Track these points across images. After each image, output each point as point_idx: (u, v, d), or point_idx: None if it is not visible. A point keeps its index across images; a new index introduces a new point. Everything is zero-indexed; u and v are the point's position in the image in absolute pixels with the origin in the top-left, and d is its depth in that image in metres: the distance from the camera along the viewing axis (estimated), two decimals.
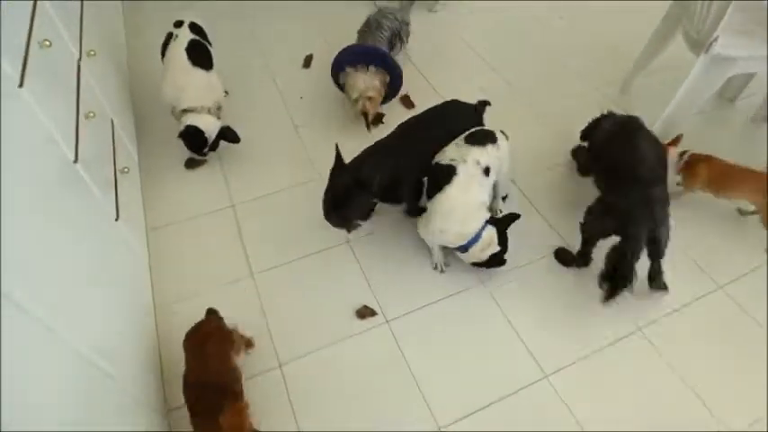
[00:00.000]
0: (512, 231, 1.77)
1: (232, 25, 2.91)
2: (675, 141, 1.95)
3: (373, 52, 2.24)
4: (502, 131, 1.85)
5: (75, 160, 1.28)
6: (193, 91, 2.02)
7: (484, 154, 1.72)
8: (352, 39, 2.43)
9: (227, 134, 2.09)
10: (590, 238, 1.78)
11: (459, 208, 1.67)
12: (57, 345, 0.94)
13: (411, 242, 1.90)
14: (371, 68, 2.21)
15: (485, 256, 1.72)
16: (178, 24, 2.15)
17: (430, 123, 1.88)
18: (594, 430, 1.50)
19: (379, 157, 1.75)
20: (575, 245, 1.85)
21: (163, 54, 2.17)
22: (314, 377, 1.58)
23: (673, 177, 1.88)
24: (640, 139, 1.79)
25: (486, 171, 1.71)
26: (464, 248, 1.71)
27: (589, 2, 3.08)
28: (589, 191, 1.86)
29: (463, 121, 1.89)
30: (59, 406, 0.92)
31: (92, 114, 1.47)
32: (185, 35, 2.11)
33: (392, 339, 1.68)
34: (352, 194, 1.65)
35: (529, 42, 2.88)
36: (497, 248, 1.71)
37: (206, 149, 2.08)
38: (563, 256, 1.88)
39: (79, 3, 1.79)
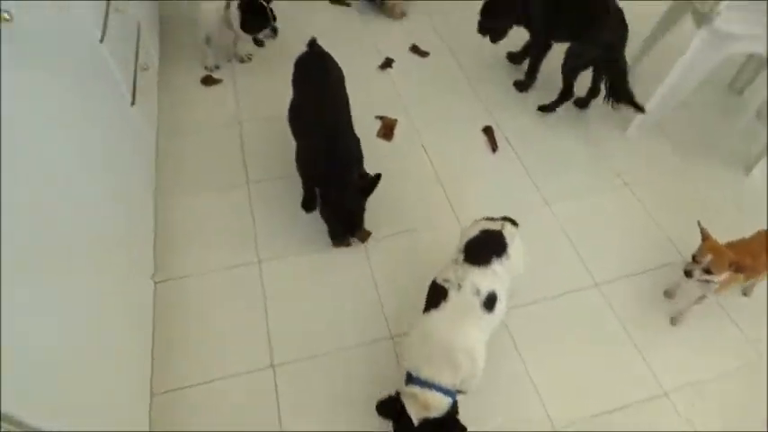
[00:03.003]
0: None
1: None
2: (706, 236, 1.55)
3: None
4: (512, 222, 1.47)
5: (101, 40, 1.46)
6: None
7: (486, 277, 1.32)
8: None
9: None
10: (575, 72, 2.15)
11: (437, 344, 1.27)
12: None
13: None
14: None
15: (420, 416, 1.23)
16: None
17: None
18: None
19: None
20: None
21: None
22: None
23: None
24: None
25: (490, 302, 1.30)
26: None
27: None
28: None
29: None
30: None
31: (120, 9, 1.64)
32: None
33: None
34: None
35: None
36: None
37: (272, 18, 2.13)
38: None
39: None
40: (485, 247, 1.37)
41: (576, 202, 2.02)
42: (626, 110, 2.19)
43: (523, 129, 2.27)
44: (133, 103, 1.68)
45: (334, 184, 1.68)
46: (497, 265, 1.34)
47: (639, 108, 2.14)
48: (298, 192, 1.93)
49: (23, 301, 0.81)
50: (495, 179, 2.09)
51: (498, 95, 2.42)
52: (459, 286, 1.30)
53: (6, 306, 0.75)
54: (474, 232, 1.41)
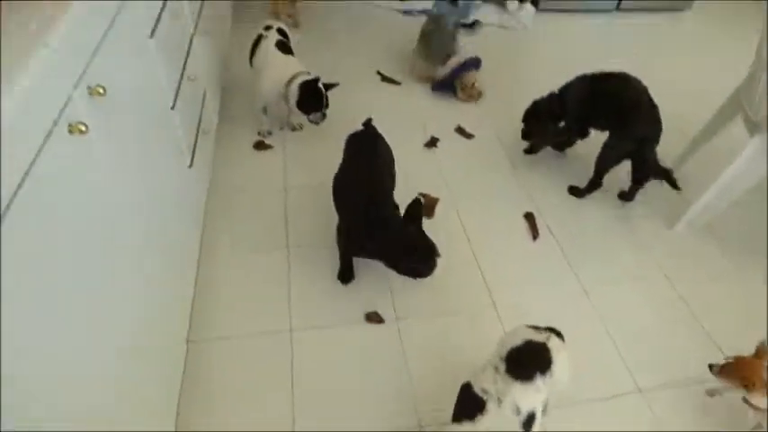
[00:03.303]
0: None
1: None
2: (761, 353, 1.45)
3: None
4: (557, 333, 1.38)
5: (173, 107, 1.55)
6: (292, 66, 2.30)
7: (528, 394, 1.23)
8: None
9: (327, 85, 2.29)
10: (608, 167, 2.24)
11: None
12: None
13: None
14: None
15: None
16: (267, 28, 2.46)
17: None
18: None
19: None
20: None
21: (251, 54, 2.46)
22: None
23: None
24: (619, 77, 2.21)
25: (529, 423, 1.21)
26: None
27: (654, 76, 3.22)
28: None
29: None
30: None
31: (193, 78, 1.76)
32: (273, 36, 2.42)
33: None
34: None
35: None
36: None
37: (325, 104, 2.26)
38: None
39: None
40: (529, 361, 1.28)
41: (617, 297, 1.97)
42: (673, 205, 2.18)
43: (565, 218, 2.26)
44: (191, 166, 1.75)
45: (391, 240, 1.70)
46: (540, 382, 1.25)
47: (673, 183, 2.22)
48: (334, 262, 1.94)
49: (53, 351, 0.81)
50: (535, 267, 2.06)
51: (541, 182, 2.44)
52: (500, 401, 1.21)
53: (36, 356, 0.76)
54: (517, 341, 1.32)
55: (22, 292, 0.72)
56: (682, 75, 3.28)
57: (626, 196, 2.35)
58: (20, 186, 0.70)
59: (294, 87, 2.23)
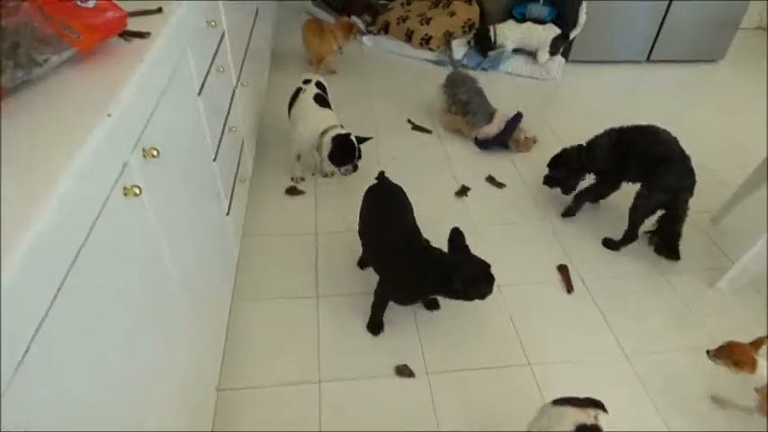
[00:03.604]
0: None
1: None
2: (759, 344, 1.61)
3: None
4: (600, 406, 1.31)
5: (214, 159, 1.60)
6: (327, 118, 2.37)
7: None
8: None
9: (360, 139, 2.33)
10: (642, 217, 2.21)
11: None
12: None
13: None
14: None
15: None
16: (306, 81, 2.55)
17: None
18: None
19: None
20: None
21: (290, 106, 2.54)
22: None
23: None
24: (648, 129, 2.21)
25: None
26: None
27: (692, 122, 3.17)
28: None
29: None
30: None
31: (234, 129, 1.82)
32: (312, 89, 2.50)
33: None
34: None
35: None
36: None
37: (357, 157, 2.30)
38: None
39: (246, 46, 2.23)
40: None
41: (658, 359, 1.89)
42: (711, 257, 2.16)
43: (601, 271, 2.22)
44: (228, 213, 1.79)
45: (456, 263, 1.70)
46: None
47: (674, 255, 2.25)
48: (364, 311, 1.94)
49: (84, 396, 0.81)
50: (570, 322, 2.01)
51: (574, 233, 2.41)
52: None
53: (72, 396, 0.77)
54: (568, 427, 1.25)
55: (68, 335, 0.74)
56: (715, 126, 3.26)
57: (668, 254, 2.29)
58: (82, 247, 0.73)
59: (327, 139, 2.28)
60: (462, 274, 1.65)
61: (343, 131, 2.29)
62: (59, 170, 0.70)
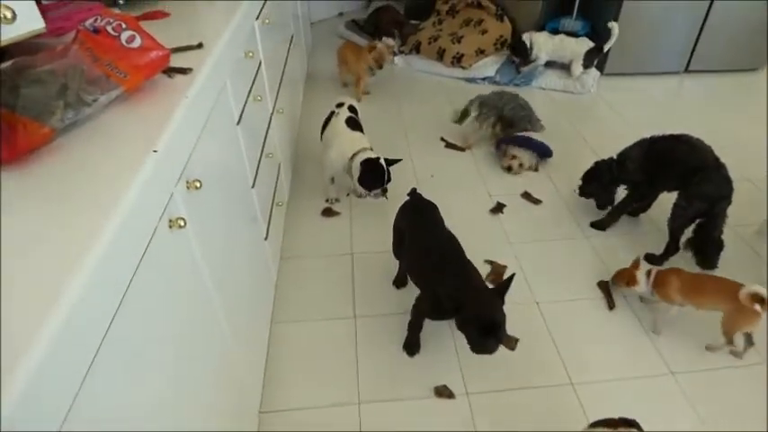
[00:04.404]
0: None
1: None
2: (636, 266, 2.04)
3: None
4: (636, 425, 1.32)
5: (253, 186, 1.65)
6: (357, 142, 2.40)
7: None
8: None
9: (389, 161, 2.34)
10: (681, 228, 2.18)
11: None
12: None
13: None
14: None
15: None
16: (339, 105, 2.61)
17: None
18: None
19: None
20: None
21: (323, 129, 2.59)
22: None
23: (649, 295, 2.02)
24: (681, 138, 2.17)
25: None
26: None
27: (733, 133, 3.08)
28: None
29: None
30: None
31: (270, 155, 1.87)
32: (344, 113, 2.55)
33: None
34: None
35: None
36: None
37: (387, 180, 2.31)
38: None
39: (281, 72, 2.30)
40: None
41: (704, 377, 1.82)
42: (757, 270, 2.09)
43: None
44: (266, 238, 1.83)
45: (471, 299, 1.56)
46: None
47: (710, 264, 2.20)
48: (400, 331, 1.93)
49: (133, 425, 0.83)
50: (613, 340, 1.96)
51: (614, 248, 2.36)
52: None
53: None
54: None
55: (119, 366, 0.77)
56: (757, 137, 3.14)
57: (706, 263, 2.22)
58: (132, 281, 0.77)
59: (356, 163, 2.31)
60: (465, 316, 1.54)
61: (373, 155, 2.32)
62: (109, 206, 0.74)
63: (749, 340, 1.89)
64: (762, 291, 1.70)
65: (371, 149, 2.38)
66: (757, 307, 1.70)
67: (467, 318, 1.55)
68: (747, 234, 2.43)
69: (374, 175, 2.30)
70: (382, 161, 2.30)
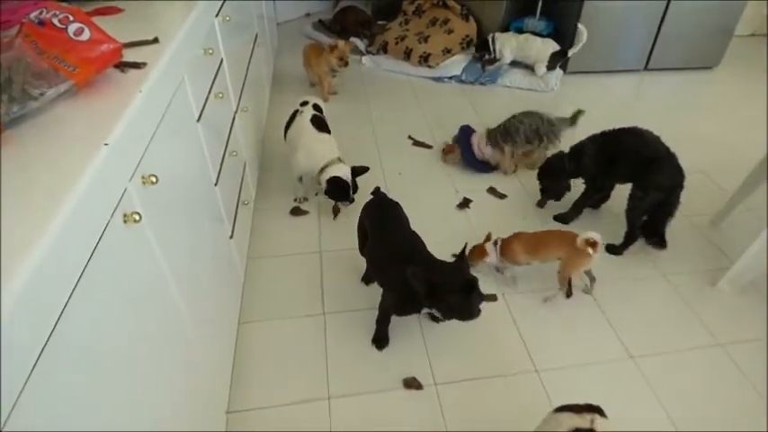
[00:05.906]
0: None
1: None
2: (487, 239, 2.19)
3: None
4: (598, 410, 1.30)
5: (216, 183, 1.64)
6: (327, 150, 2.41)
7: None
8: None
9: (357, 170, 2.39)
10: (639, 217, 2.25)
11: None
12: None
13: None
14: None
15: None
16: (304, 104, 2.61)
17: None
18: None
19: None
20: None
21: (286, 129, 2.59)
22: None
23: (499, 263, 2.17)
24: (632, 131, 2.27)
25: None
26: None
27: (690, 128, 3.21)
28: None
29: None
30: None
31: (235, 153, 1.86)
32: (309, 111, 2.55)
33: None
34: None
35: None
36: None
37: (352, 194, 2.38)
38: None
39: (245, 71, 2.29)
40: None
41: (665, 361, 1.89)
42: (710, 259, 2.17)
43: (603, 276, 2.21)
44: (232, 237, 1.82)
45: (441, 273, 1.62)
46: None
47: (662, 244, 2.32)
48: (370, 326, 1.94)
49: (90, 424, 0.82)
50: (575, 327, 2.02)
51: None
52: None
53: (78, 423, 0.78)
54: (564, 429, 1.25)
55: (72, 362, 0.76)
56: (712, 131, 3.29)
57: (658, 243, 2.34)
58: (82, 275, 0.76)
59: (324, 177, 2.34)
60: (443, 288, 1.57)
61: (340, 171, 2.34)
62: (58, 200, 0.73)
63: (590, 276, 2.15)
64: (595, 236, 1.94)
65: (340, 159, 2.39)
66: (590, 250, 1.93)
67: (444, 289, 1.58)
68: (702, 223, 2.53)
69: (341, 191, 2.36)
70: (348, 177, 2.33)
